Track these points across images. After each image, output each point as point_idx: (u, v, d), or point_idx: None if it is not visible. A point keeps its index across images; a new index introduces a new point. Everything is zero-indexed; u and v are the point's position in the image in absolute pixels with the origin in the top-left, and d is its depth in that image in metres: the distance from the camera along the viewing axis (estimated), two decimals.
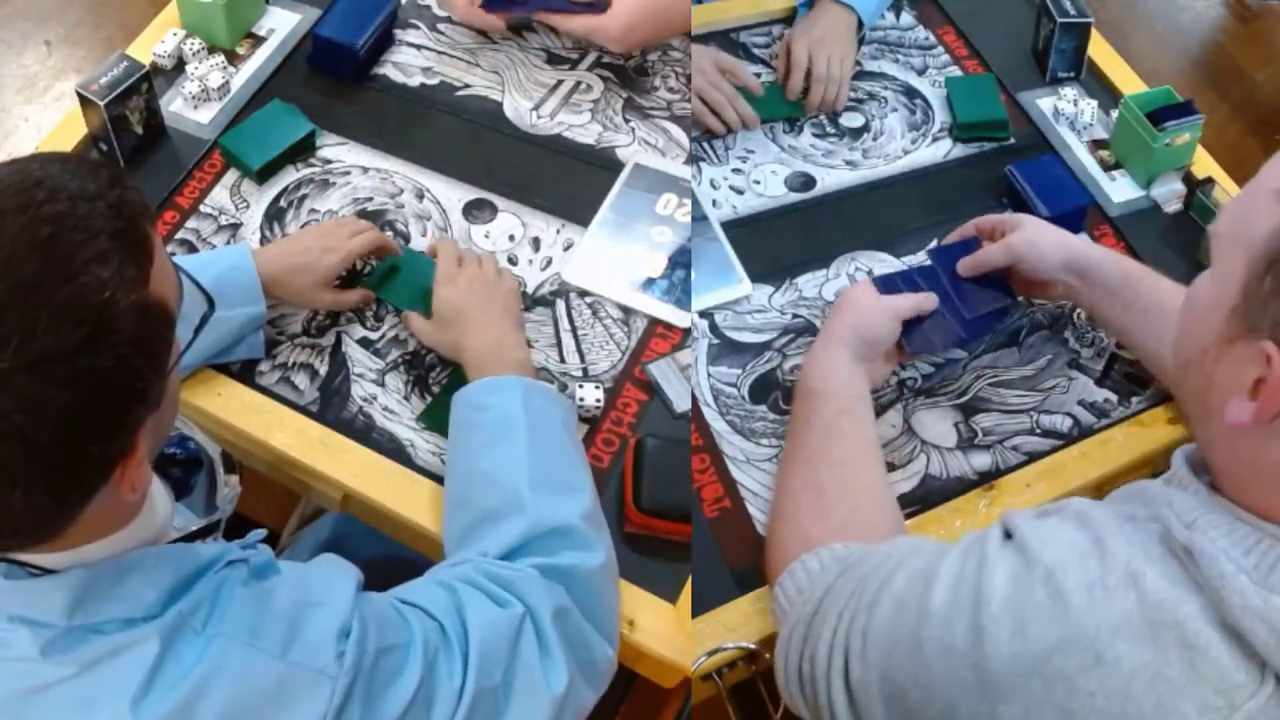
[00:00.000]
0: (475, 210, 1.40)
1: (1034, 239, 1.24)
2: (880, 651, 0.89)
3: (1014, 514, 0.89)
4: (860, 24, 1.59)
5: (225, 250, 1.29)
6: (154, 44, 1.51)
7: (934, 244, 1.38)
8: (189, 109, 1.47)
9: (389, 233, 1.37)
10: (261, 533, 0.93)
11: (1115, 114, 1.50)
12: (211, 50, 1.52)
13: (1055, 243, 1.24)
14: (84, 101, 1.38)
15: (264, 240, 1.36)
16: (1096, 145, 1.51)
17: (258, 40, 1.56)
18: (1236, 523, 0.76)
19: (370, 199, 1.41)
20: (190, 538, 0.91)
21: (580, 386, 1.23)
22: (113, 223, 0.73)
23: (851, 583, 0.95)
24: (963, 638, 0.82)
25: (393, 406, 1.23)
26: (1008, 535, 0.87)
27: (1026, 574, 0.81)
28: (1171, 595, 0.76)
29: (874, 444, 1.14)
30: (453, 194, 1.41)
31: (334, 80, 1.51)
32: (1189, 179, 1.46)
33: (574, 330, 1.30)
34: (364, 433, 1.21)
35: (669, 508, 1.14)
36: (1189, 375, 0.83)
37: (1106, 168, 1.49)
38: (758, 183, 1.47)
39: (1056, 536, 0.83)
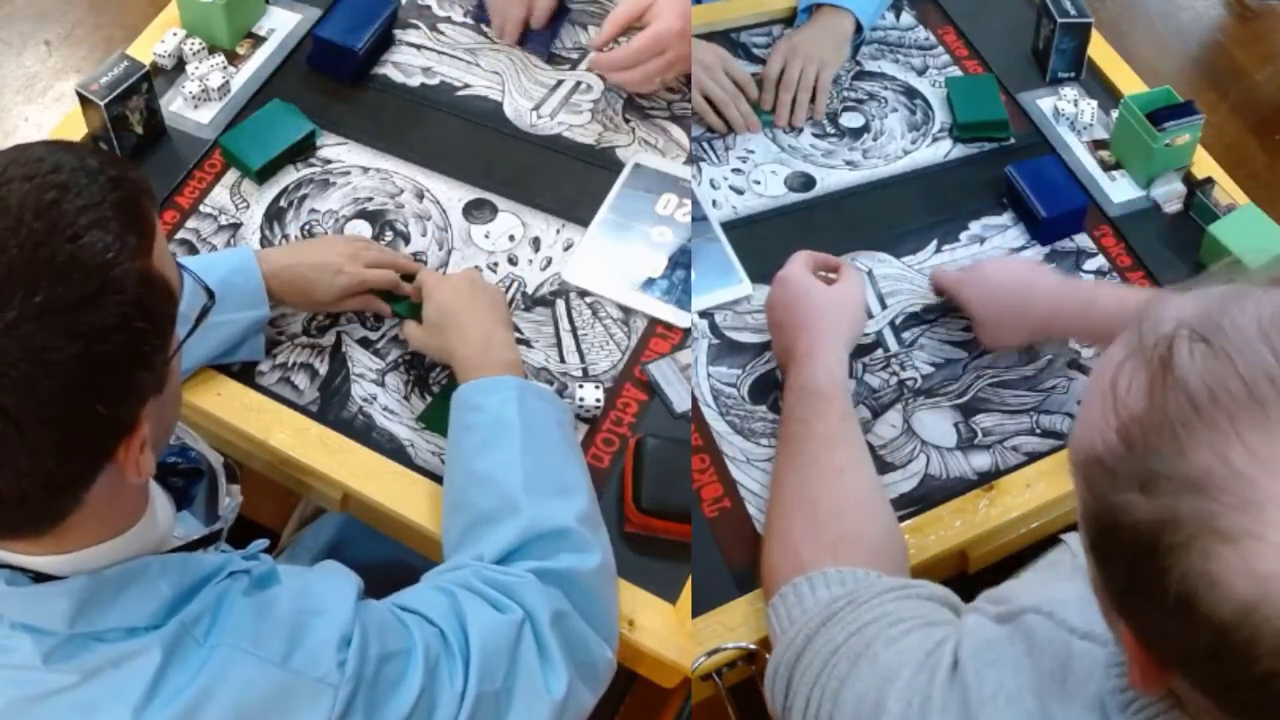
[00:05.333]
0: (475, 210, 1.40)
1: (998, 337, 1.26)
2: None
3: (971, 624, 0.86)
4: (859, 29, 1.59)
5: (229, 252, 1.29)
6: (154, 44, 1.51)
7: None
8: (189, 109, 1.47)
9: (389, 234, 1.37)
10: (263, 543, 0.93)
11: (1115, 114, 1.50)
12: (211, 50, 1.52)
13: (1020, 330, 1.26)
14: (84, 101, 1.38)
15: (264, 240, 1.36)
16: (1096, 145, 1.51)
17: (258, 40, 1.56)
18: (1178, 713, 0.69)
19: (370, 199, 1.41)
20: (191, 546, 0.91)
21: (580, 386, 1.23)
22: (114, 194, 0.76)
23: (829, 646, 0.94)
24: None
25: (393, 406, 1.23)
26: (955, 664, 0.84)
27: None
28: None
29: (866, 450, 1.14)
30: (453, 194, 1.42)
31: (334, 80, 1.51)
32: (1189, 179, 1.46)
33: (574, 330, 1.30)
34: (364, 433, 1.21)
35: (669, 508, 1.14)
36: (1095, 594, 0.72)
37: (1106, 168, 1.49)
38: (758, 183, 1.47)
39: (1002, 684, 0.79)
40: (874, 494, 1.10)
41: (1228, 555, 0.58)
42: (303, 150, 1.44)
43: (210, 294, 0.88)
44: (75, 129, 1.42)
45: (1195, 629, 0.59)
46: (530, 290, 1.33)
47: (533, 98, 1.51)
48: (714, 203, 1.45)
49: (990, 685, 0.80)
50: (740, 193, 1.46)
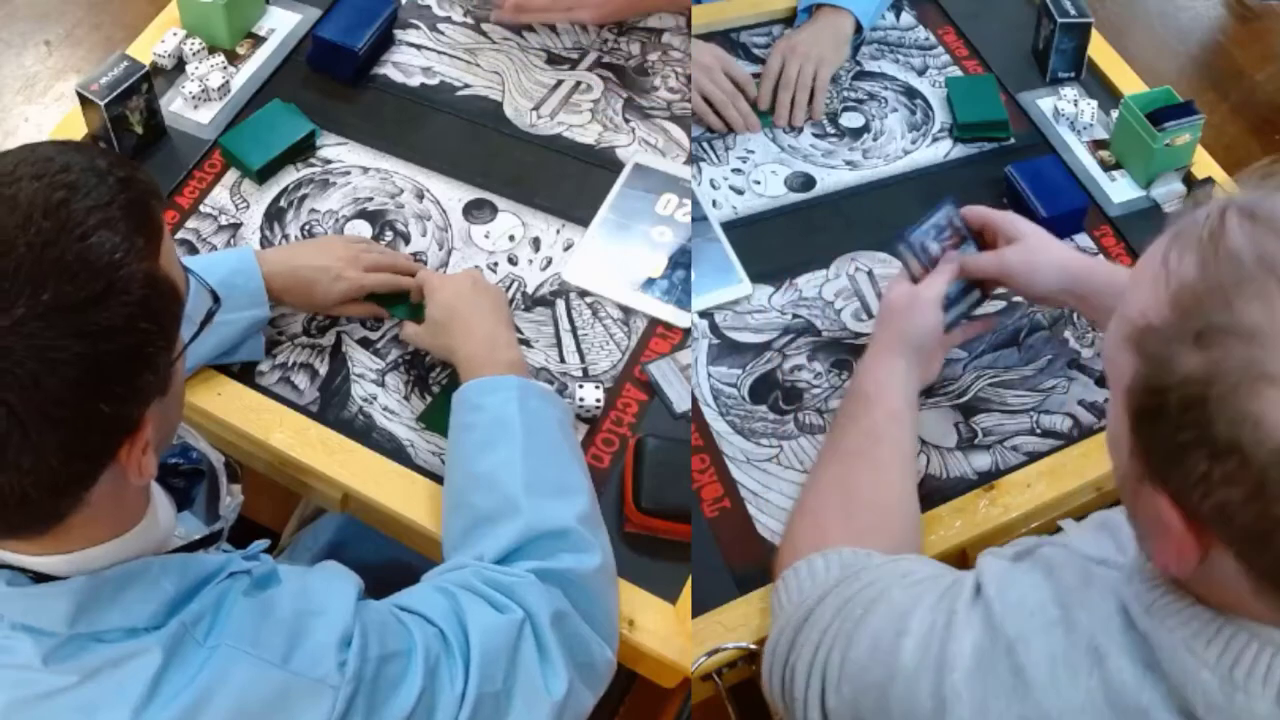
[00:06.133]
0: (475, 210, 1.40)
1: (1030, 259, 1.17)
2: (852, 689, 0.89)
3: (988, 561, 0.88)
4: (859, 29, 1.59)
5: (229, 253, 1.29)
6: (154, 44, 1.51)
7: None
8: (189, 109, 1.47)
9: (389, 234, 1.37)
10: (264, 543, 0.93)
11: (1115, 114, 1.50)
12: (211, 50, 1.52)
13: (1053, 264, 1.17)
14: (84, 101, 1.38)
15: (264, 240, 1.36)
16: (1096, 145, 1.51)
17: (258, 40, 1.56)
18: (1197, 609, 0.72)
19: (370, 199, 1.41)
20: (192, 547, 0.91)
21: (580, 386, 1.23)
22: (122, 194, 0.76)
23: (839, 601, 0.94)
24: (925, 704, 0.82)
25: (393, 406, 1.23)
26: (978, 590, 0.86)
27: (990, 645, 0.80)
28: (1133, 680, 0.74)
29: (912, 456, 1.13)
30: (453, 194, 1.42)
31: (334, 80, 1.51)
32: (1189, 179, 1.46)
33: (574, 330, 1.30)
34: (364, 433, 1.21)
35: (669, 508, 1.14)
36: (1122, 497, 0.77)
37: (1106, 168, 1.49)
38: (758, 183, 1.47)
39: (1023, 598, 0.82)
40: (909, 499, 1.11)
41: (1274, 395, 0.63)
42: (303, 150, 1.44)
43: (215, 297, 0.88)
44: (75, 129, 1.42)
45: (1238, 472, 0.64)
46: (530, 290, 1.33)
47: (533, 98, 1.51)
48: (714, 203, 1.45)
49: (1014, 599, 0.82)
50: (740, 193, 1.46)
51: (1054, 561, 0.84)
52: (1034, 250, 1.18)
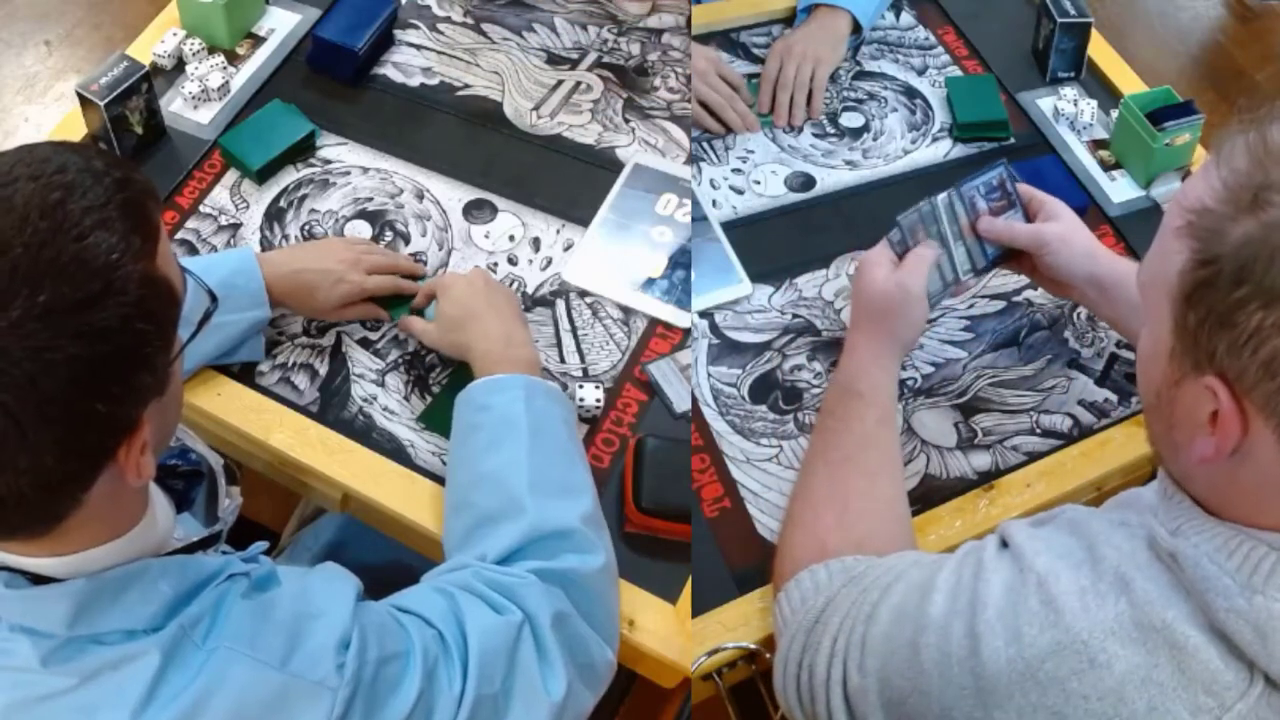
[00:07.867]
0: (475, 210, 1.40)
1: (1067, 237, 1.19)
2: (878, 660, 0.90)
3: (1010, 523, 0.90)
4: (858, 28, 1.59)
5: (230, 254, 1.29)
6: (154, 44, 1.52)
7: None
8: (189, 109, 1.47)
9: (389, 234, 1.37)
10: (263, 545, 0.93)
11: (1115, 114, 1.50)
12: (211, 50, 1.52)
13: (1084, 250, 1.19)
14: (84, 101, 1.38)
15: (264, 240, 1.36)
16: (1096, 145, 1.51)
17: (258, 40, 1.56)
18: (1220, 527, 0.77)
19: (370, 199, 1.41)
20: (191, 548, 0.91)
21: (580, 386, 1.23)
22: (119, 195, 0.76)
23: (853, 593, 0.96)
24: (959, 644, 0.83)
25: (393, 406, 1.23)
26: (1004, 544, 0.89)
27: (1020, 582, 0.83)
28: (1159, 599, 0.77)
29: (899, 456, 1.14)
30: (453, 194, 1.42)
31: (334, 80, 1.51)
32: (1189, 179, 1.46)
33: (574, 330, 1.30)
34: (364, 433, 1.21)
35: (669, 508, 1.14)
36: (1152, 420, 0.84)
37: (1106, 168, 1.49)
38: (758, 183, 1.47)
39: (1050, 544, 0.85)
40: (900, 502, 1.11)
41: None
42: (303, 150, 1.44)
43: (213, 297, 0.88)
44: (75, 129, 1.42)
45: None
46: (530, 290, 1.33)
47: (533, 98, 1.51)
48: (714, 203, 1.45)
49: (1041, 545, 0.85)
50: (740, 193, 1.46)
51: (1077, 519, 0.87)
52: (1072, 230, 1.21)
